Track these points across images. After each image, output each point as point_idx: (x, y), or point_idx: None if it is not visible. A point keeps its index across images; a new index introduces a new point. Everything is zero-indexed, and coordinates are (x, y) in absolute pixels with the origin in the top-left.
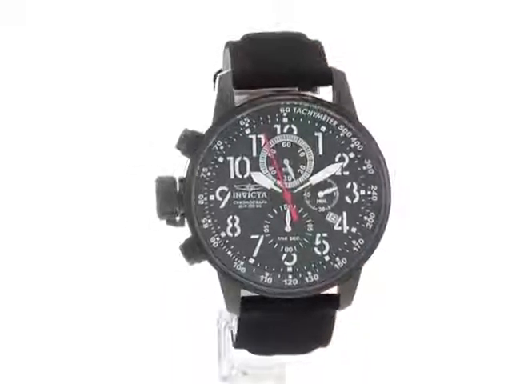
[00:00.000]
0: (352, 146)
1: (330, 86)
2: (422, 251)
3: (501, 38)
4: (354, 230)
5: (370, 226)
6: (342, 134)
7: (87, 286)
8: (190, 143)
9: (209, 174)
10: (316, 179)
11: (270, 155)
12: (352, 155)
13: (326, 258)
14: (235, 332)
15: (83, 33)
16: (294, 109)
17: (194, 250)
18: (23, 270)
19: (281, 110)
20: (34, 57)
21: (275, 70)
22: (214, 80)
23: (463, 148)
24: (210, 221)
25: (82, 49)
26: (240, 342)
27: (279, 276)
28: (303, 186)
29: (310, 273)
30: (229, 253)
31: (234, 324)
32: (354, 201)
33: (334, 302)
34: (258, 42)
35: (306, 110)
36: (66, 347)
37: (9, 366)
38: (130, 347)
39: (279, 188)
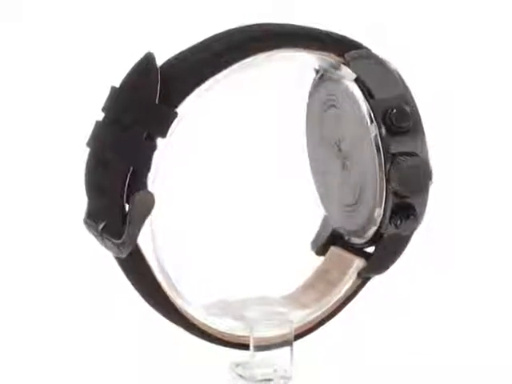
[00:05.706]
0: None
1: None
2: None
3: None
4: None
5: None
6: None
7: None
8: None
9: None
10: None
11: None
12: None
13: None
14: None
15: (82, 31)
16: None
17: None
18: (22, 270)
19: None
20: (30, 53)
21: None
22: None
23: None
24: None
25: (82, 47)
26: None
27: None
28: None
29: None
30: None
31: None
32: None
33: None
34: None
35: None
36: (72, 352)
37: None
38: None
39: None
